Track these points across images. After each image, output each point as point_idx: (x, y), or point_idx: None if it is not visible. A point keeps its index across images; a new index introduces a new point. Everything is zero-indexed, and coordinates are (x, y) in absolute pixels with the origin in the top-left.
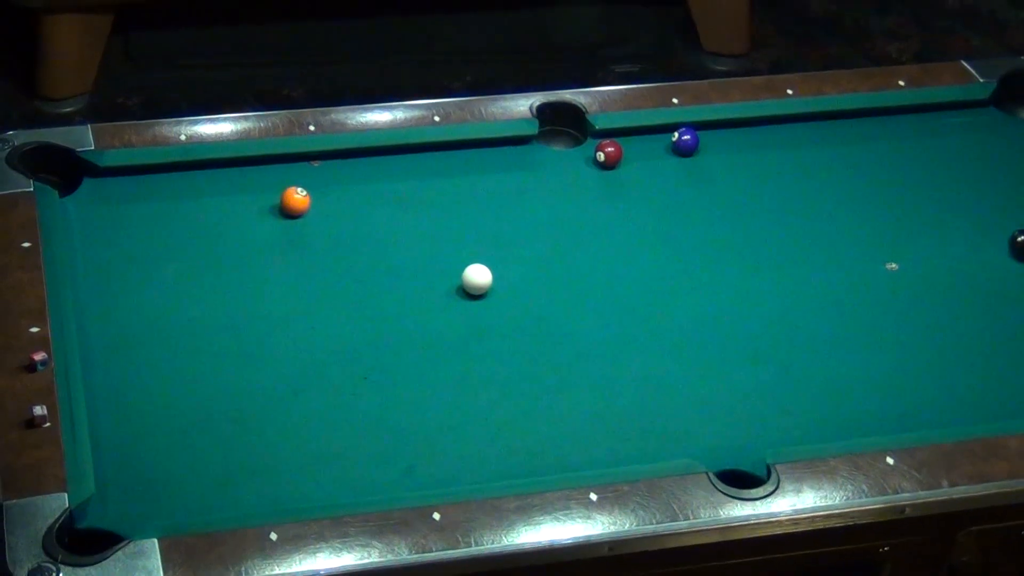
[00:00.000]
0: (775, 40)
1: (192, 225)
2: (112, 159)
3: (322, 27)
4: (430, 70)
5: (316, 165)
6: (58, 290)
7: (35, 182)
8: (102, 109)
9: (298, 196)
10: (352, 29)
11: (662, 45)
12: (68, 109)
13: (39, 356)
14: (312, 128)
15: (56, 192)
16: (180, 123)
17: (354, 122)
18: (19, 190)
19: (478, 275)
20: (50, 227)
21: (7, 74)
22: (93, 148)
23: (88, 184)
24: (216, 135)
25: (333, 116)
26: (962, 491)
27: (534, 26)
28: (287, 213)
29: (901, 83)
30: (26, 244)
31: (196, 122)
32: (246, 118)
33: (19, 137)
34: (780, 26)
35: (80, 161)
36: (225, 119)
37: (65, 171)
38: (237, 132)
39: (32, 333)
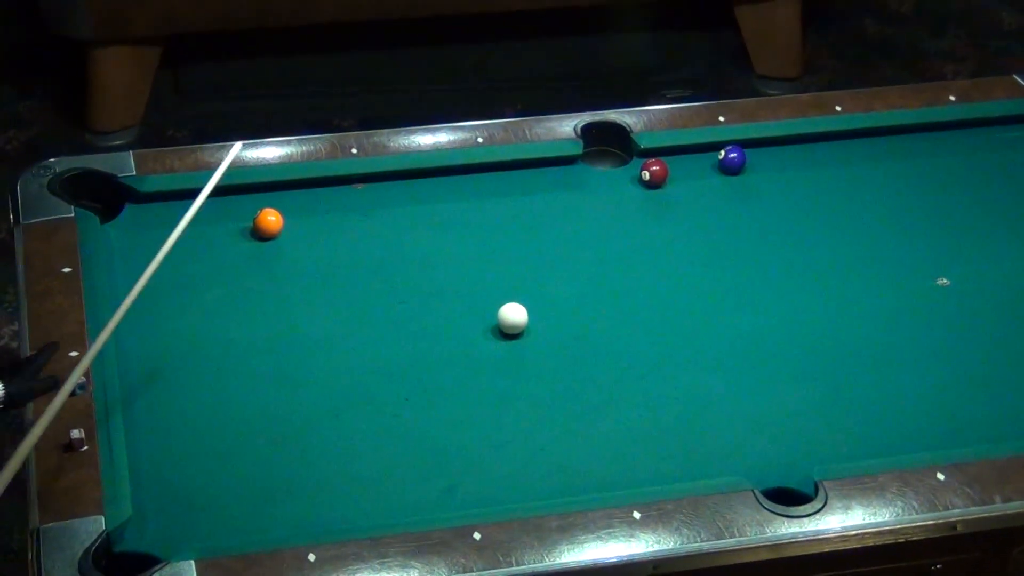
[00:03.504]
0: (828, 63)
1: (233, 249)
2: (153, 184)
3: (372, 57)
4: (482, 98)
5: (360, 188)
6: (98, 315)
7: (76, 208)
8: (151, 142)
9: (271, 218)
10: (402, 58)
11: (714, 70)
12: (118, 142)
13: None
14: (355, 151)
15: (97, 218)
16: (222, 148)
17: (397, 144)
18: (60, 216)
19: (513, 314)
20: (91, 253)
21: (57, 108)
22: (134, 174)
23: (130, 210)
24: (258, 160)
25: (376, 139)
26: (1016, 507)
27: (586, 53)
28: (260, 235)
29: (952, 98)
30: (67, 269)
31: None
32: (288, 142)
33: (61, 164)
34: (834, 49)
35: (121, 187)
36: (268, 143)
37: (106, 197)
38: (280, 156)
39: (72, 358)
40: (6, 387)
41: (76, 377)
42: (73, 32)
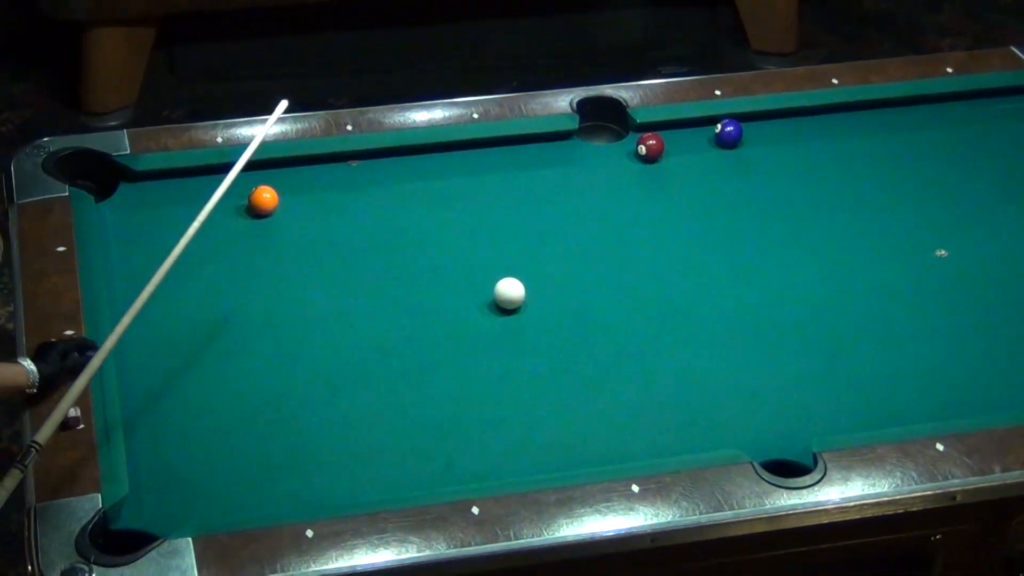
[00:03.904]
0: (825, 39)
1: (229, 227)
2: (148, 163)
3: (366, 36)
4: (476, 77)
5: (355, 165)
6: (93, 294)
7: (71, 187)
8: (146, 124)
9: (266, 195)
10: (396, 37)
11: (710, 46)
12: (112, 123)
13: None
14: (350, 128)
15: (92, 197)
16: (216, 126)
17: (392, 121)
18: (55, 195)
19: (510, 289)
20: (86, 232)
21: (52, 90)
22: (129, 152)
23: (124, 189)
24: (252, 137)
25: (371, 116)
26: (1016, 476)
27: (581, 31)
28: (256, 213)
29: (949, 70)
30: (61, 248)
31: (232, 125)
32: (283, 120)
33: (55, 143)
34: (830, 25)
35: (116, 166)
36: (261, 121)
37: (101, 176)
38: (274, 134)
39: (68, 336)
40: (39, 368)
41: (93, 369)
42: (67, 14)
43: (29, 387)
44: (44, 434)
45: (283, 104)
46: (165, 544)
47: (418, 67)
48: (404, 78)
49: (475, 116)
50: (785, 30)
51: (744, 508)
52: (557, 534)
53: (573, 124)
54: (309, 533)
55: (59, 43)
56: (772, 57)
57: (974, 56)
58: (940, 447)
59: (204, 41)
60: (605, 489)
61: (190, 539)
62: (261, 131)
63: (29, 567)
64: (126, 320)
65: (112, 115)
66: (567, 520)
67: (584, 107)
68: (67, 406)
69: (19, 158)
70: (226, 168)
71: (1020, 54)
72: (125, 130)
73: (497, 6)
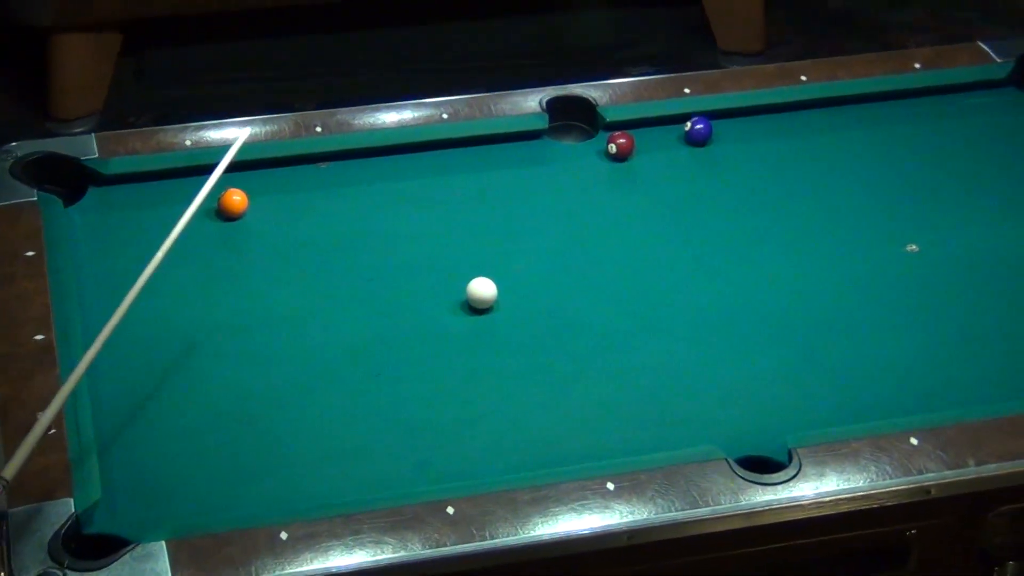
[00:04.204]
0: (792, 38)
1: (198, 230)
2: (117, 167)
3: (333, 40)
4: (443, 78)
5: (324, 167)
6: (63, 298)
7: (39, 192)
8: (113, 128)
9: (236, 198)
10: (363, 40)
11: (677, 46)
12: (79, 130)
13: None
14: (319, 129)
15: (60, 201)
16: (185, 129)
17: (361, 122)
18: (23, 200)
19: (482, 288)
20: (55, 236)
21: (17, 96)
22: (97, 156)
23: (93, 193)
24: (222, 140)
25: (340, 117)
26: (990, 469)
27: (547, 31)
28: (226, 215)
29: (917, 65)
30: (30, 253)
31: (201, 127)
32: (252, 122)
33: (23, 148)
34: (796, 24)
35: (84, 170)
36: (231, 123)
37: (69, 180)
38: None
39: (37, 341)
40: None
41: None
42: (33, 19)
43: None
44: (11, 471)
45: (246, 131)
46: (139, 548)
47: (385, 70)
48: (371, 81)
49: (444, 116)
50: (752, 29)
51: (720, 505)
52: (533, 533)
53: (543, 123)
54: (283, 535)
55: (24, 48)
56: (740, 56)
57: (941, 52)
58: (914, 441)
59: (170, 47)
60: (580, 487)
61: (163, 542)
62: (223, 163)
63: (2, 572)
64: (92, 352)
65: (78, 121)
66: (542, 519)
67: (553, 106)
68: (34, 439)
69: None
70: (195, 171)
71: (987, 49)
72: (93, 134)
73: (463, 8)
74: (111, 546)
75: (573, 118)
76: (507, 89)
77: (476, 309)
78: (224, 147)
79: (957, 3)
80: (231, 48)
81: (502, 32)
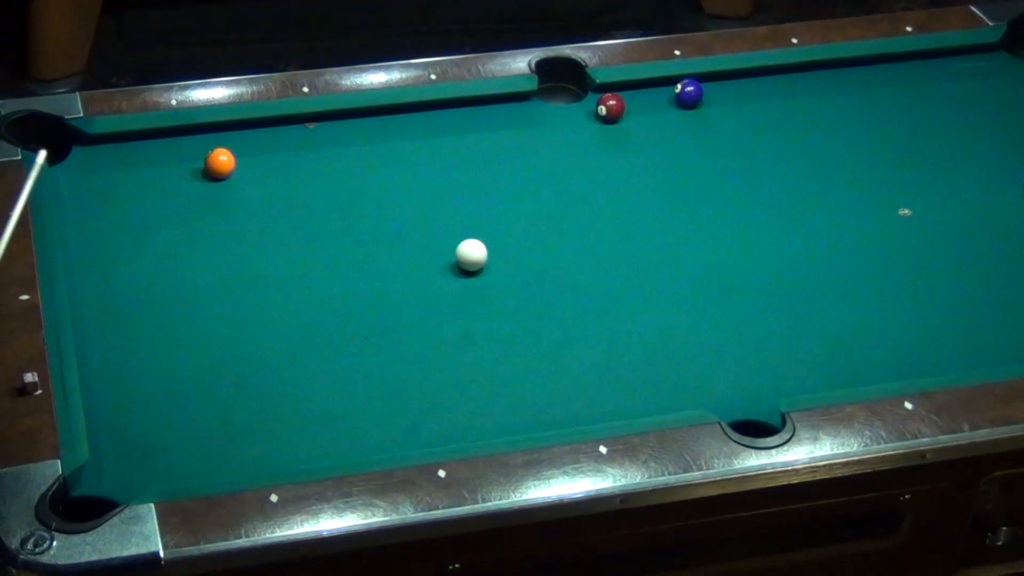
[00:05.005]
0: (779, 2)
1: (185, 190)
2: (101, 126)
3: (315, 2)
4: (427, 41)
5: (311, 127)
6: (48, 258)
7: (23, 151)
8: (95, 89)
9: (223, 158)
10: (347, 2)
11: (663, 10)
12: (61, 91)
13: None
14: (306, 90)
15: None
16: (171, 88)
17: (349, 83)
18: (6, 159)
19: (472, 250)
20: (39, 195)
21: None
22: (82, 115)
23: (77, 152)
24: (208, 99)
25: (327, 77)
26: (984, 434)
27: None
28: (212, 175)
29: (908, 29)
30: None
31: (187, 87)
32: (238, 82)
33: (6, 106)
34: None
35: (69, 129)
36: (217, 83)
37: (54, 139)
38: (229, 96)
39: (22, 301)
40: None
41: None
42: None
43: None
44: None
45: (42, 153)
46: (127, 511)
47: (369, 32)
48: (355, 43)
49: (433, 77)
50: None
51: (713, 469)
52: (525, 496)
53: (532, 85)
54: (273, 498)
55: (3, 9)
56: (726, 21)
57: (933, 15)
58: (909, 406)
59: (152, 7)
60: (573, 451)
61: (152, 505)
62: (24, 188)
63: None
64: None
65: (60, 82)
66: (535, 482)
67: (543, 68)
68: None
69: None
70: (180, 131)
71: (979, 13)
72: (78, 93)
73: None
74: (99, 508)
75: (562, 80)
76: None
77: (466, 271)
78: (211, 107)
79: None
80: (212, 9)
81: None
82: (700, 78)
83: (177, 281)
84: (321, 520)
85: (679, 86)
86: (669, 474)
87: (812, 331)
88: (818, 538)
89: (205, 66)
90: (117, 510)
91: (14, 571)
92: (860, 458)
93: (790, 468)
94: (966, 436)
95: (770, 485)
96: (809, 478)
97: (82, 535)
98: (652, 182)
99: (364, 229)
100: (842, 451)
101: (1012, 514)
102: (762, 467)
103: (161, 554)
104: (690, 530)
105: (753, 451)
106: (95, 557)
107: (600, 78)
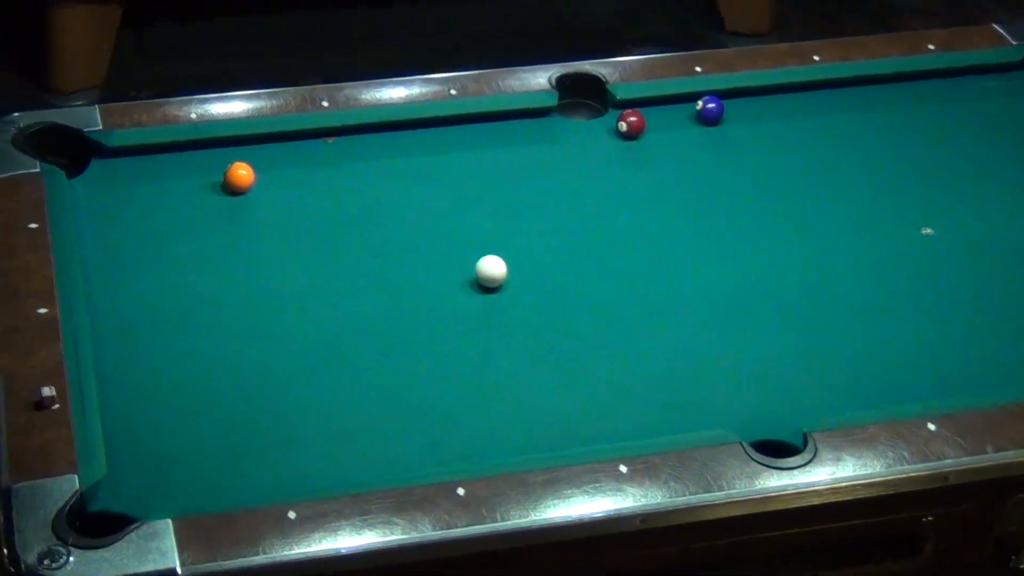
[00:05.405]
0: (799, 19)
1: (203, 204)
2: (121, 139)
3: (336, 15)
4: (446, 56)
5: (330, 142)
6: (67, 271)
7: (42, 163)
8: (113, 102)
9: (242, 172)
10: (366, 17)
11: (683, 27)
12: (80, 103)
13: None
14: (325, 104)
15: (64, 173)
16: (190, 102)
17: (368, 97)
18: (26, 171)
19: (492, 266)
20: (58, 208)
21: (17, 68)
22: (101, 128)
23: (96, 165)
24: (227, 113)
25: (347, 92)
26: (1009, 456)
27: (551, 11)
28: (231, 190)
29: (931, 47)
30: (33, 225)
31: (206, 100)
32: (257, 96)
33: (25, 118)
34: (804, 4)
35: (88, 141)
36: (236, 97)
37: (73, 152)
38: (249, 110)
39: (40, 314)
40: None
41: None
42: None
43: None
44: None
45: None
46: (144, 526)
47: (387, 46)
48: (373, 57)
49: (452, 92)
50: (759, 10)
51: (734, 489)
52: (544, 515)
53: (552, 100)
54: (291, 515)
55: (23, 21)
56: (746, 38)
57: (956, 34)
58: (932, 427)
59: (171, 21)
60: (592, 470)
61: (170, 521)
62: None
63: (5, 549)
64: None
65: (79, 94)
66: (555, 501)
67: (563, 83)
68: None
69: None
70: (200, 144)
71: (1002, 32)
72: (97, 105)
73: None
74: (116, 524)
75: (583, 96)
76: (509, 67)
77: (486, 288)
78: (229, 121)
79: None
80: (231, 22)
81: (505, 10)
82: (721, 95)
83: (196, 295)
84: (339, 537)
85: (700, 103)
86: (690, 494)
87: (834, 350)
88: (839, 560)
89: (224, 80)
90: (134, 525)
91: None
92: (883, 479)
93: (812, 489)
94: (990, 458)
95: (792, 506)
96: (831, 499)
97: (99, 551)
98: (672, 199)
99: (383, 244)
100: (865, 472)
101: None
102: (784, 488)
103: (179, 570)
104: (711, 551)
105: (775, 471)
106: (112, 573)
107: (621, 94)
